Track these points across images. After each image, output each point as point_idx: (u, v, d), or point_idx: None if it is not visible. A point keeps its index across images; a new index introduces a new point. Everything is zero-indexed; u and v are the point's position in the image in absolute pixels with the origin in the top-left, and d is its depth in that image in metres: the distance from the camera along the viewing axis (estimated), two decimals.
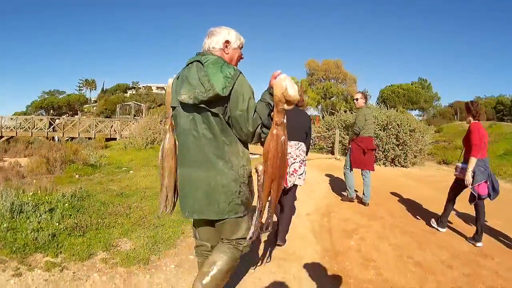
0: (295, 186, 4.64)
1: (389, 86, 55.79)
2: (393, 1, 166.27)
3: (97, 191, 6.46)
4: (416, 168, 12.98)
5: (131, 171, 9.26)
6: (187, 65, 2.45)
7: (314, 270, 3.92)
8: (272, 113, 2.22)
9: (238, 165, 2.43)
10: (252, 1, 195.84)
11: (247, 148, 2.54)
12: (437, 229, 5.47)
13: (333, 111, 21.08)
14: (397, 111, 16.27)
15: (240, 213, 2.49)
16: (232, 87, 2.25)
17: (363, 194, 6.96)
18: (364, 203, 6.89)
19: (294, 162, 4.53)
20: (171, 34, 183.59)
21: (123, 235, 4.40)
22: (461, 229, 5.66)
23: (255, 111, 2.30)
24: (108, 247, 3.98)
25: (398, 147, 13.22)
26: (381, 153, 13.32)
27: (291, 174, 4.51)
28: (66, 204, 5.08)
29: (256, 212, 2.30)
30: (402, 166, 13.18)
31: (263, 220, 2.45)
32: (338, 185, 7.83)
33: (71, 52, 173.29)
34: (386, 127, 13.69)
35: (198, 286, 2.40)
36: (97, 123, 32.26)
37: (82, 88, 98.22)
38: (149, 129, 16.23)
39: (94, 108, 73.75)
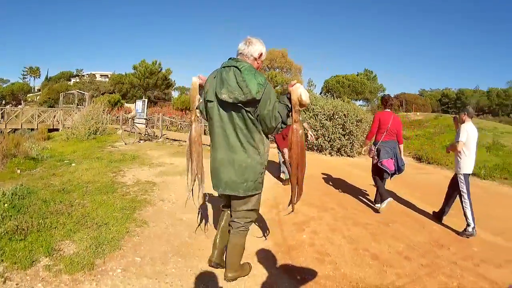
0: None
1: (334, 76, 56.97)
2: None
3: (38, 188, 6.12)
4: (362, 158, 13.07)
5: (73, 164, 8.90)
6: (223, 67, 3.08)
7: (268, 267, 3.87)
8: (289, 113, 3.01)
9: (263, 151, 3.18)
10: None
11: (268, 139, 3.25)
12: (380, 207, 6.08)
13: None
14: (343, 101, 16.30)
15: (259, 190, 3.30)
16: (263, 92, 2.91)
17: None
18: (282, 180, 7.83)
19: None
20: (117, 20, 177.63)
21: (66, 237, 4.17)
22: (414, 220, 5.82)
23: (277, 111, 2.98)
24: (50, 252, 3.74)
25: (344, 137, 13.28)
26: (327, 142, 13.38)
27: None
28: (6, 205, 4.78)
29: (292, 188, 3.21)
30: (349, 156, 13.36)
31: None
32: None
33: (15, 38, 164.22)
34: (332, 117, 13.63)
35: (228, 268, 3.43)
36: (40, 113, 30.73)
37: (26, 76, 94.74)
38: (92, 118, 15.93)
39: (38, 97, 70.70)
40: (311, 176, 8.39)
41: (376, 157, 6.04)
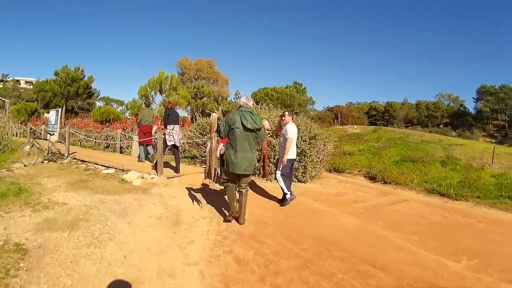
0: (177, 146, 9.72)
1: (263, 88, 55.91)
2: (269, 3, 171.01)
3: None
4: (316, 184, 10.47)
5: None
6: (241, 111, 5.81)
7: None
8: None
9: (256, 151, 6.10)
10: None
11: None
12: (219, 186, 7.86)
13: (209, 112, 18.80)
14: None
15: (253, 170, 6.14)
16: (262, 124, 5.97)
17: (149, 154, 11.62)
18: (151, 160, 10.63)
19: (179, 135, 9.82)
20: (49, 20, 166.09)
21: None
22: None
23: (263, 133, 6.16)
24: None
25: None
26: (272, 165, 9.81)
27: (180, 139, 9.83)
28: None
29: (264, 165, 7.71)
30: (300, 181, 10.36)
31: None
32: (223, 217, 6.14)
33: None
34: (277, 133, 9.65)
35: (242, 215, 6.04)
36: None
37: None
38: None
39: None
40: (260, 223, 6.17)
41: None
